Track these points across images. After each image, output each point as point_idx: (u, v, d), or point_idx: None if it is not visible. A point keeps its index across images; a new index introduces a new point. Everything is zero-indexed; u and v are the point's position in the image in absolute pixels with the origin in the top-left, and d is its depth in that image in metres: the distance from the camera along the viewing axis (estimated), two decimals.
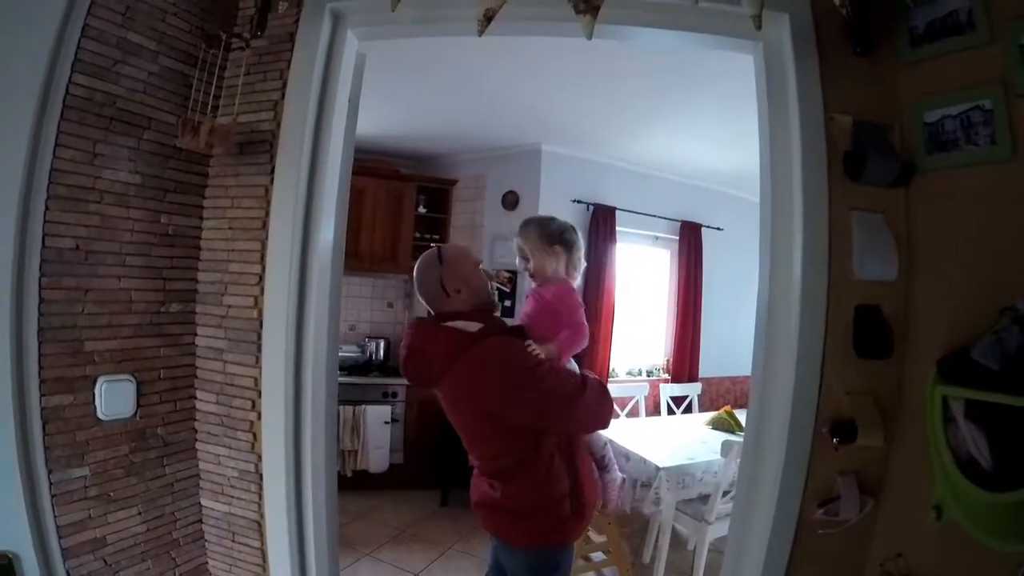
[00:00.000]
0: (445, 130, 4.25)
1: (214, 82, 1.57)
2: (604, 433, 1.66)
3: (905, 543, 1.37)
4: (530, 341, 1.45)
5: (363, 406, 4.23)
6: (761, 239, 1.50)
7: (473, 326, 1.44)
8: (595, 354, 4.44)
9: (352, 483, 4.13)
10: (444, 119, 4.00)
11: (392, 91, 3.51)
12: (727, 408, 3.84)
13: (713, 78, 2.90)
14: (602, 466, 1.66)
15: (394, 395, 4.38)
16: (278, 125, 1.54)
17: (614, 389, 4.76)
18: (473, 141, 4.47)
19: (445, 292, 1.48)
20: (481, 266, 1.58)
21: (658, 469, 2.89)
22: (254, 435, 1.53)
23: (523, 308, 1.67)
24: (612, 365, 4.71)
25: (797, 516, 1.40)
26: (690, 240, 5.01)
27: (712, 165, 4.59)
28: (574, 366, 1.62)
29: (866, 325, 1.38)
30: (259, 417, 1.53)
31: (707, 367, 5.15)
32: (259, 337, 1.52)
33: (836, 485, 1.41)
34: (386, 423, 4.27)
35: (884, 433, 1.36)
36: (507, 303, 4.33)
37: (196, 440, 1.64)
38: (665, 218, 4.90)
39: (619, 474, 1.69)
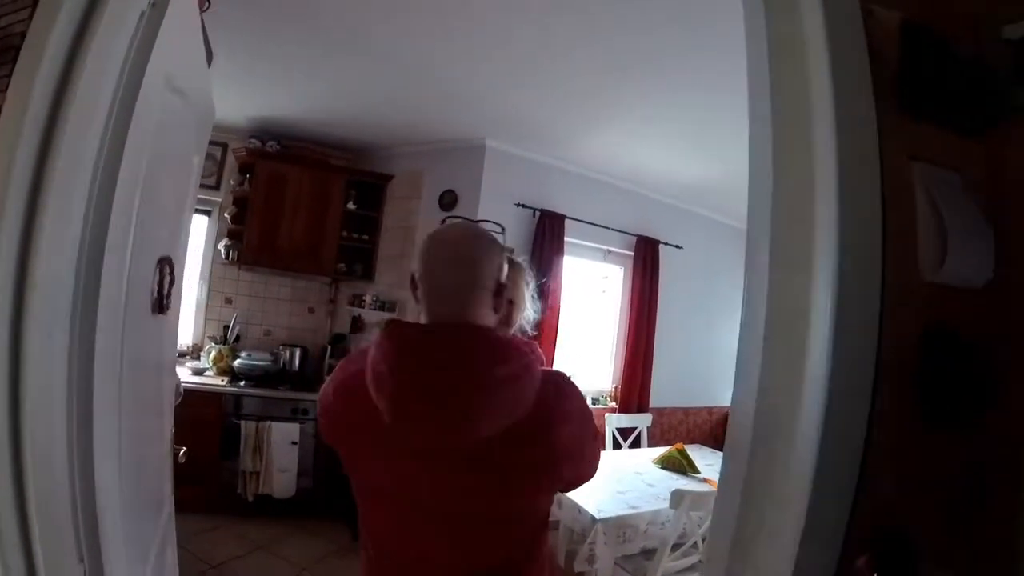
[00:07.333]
0: (377, 116, 3.75)
1: None
2: None
3: None
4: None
5: (268, 422, 3.71)
6: (751, 209, 0.85)
7: None
8: None
9: (254, 509, 3.66)
10: (375, 103, 3.51)
11: (312, 67, 3.02)
12: (679, 445, 3.43)
13: (681, 70, 2.52)
14: None
15: (304, 412, 3.84)
16: None
17: None
18: (410, 132, 3.98)
19: (492, 294, 0.96)
20: None
21: (594, 520, 2.43)
22: None
23: None
24: None
25: None
26: (646, 257, 4.59)
27: (673, 176, 4.22)
28: None
29: (943, 364, 0.77)
30: None
31: (658, 396, 4.72)
32: None
33: None
34: (293, 443, 3.76)
35: (968, 558, 0.78)
36: None
37: None
38: (620, 231, 4.47)
39: None
